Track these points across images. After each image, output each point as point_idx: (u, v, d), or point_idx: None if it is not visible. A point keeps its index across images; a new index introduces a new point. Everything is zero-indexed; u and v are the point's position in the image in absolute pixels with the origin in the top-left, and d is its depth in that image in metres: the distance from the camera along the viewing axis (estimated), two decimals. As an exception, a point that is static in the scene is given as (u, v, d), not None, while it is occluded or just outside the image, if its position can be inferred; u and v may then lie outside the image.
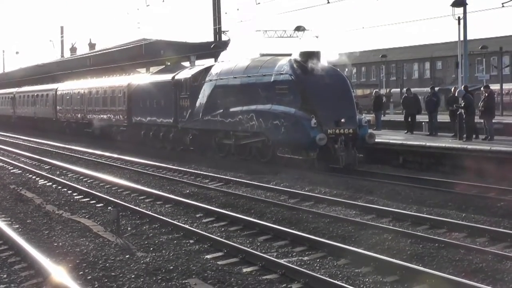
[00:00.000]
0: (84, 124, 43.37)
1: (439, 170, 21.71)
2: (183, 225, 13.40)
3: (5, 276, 10.10)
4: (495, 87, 44.44)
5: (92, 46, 78.83)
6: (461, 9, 27.81)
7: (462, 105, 24.56)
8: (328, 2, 28.35)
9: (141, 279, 9.59)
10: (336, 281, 9.29)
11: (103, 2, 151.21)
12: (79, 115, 44.21)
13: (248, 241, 12.17)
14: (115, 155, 28.86)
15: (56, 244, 11.92)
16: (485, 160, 20.09)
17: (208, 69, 28.98)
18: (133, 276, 9.74)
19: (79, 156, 29.88)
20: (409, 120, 29.75)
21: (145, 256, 10.93)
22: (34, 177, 22.56)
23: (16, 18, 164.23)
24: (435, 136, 26.98)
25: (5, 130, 54.32)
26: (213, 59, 30.83)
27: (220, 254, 11.19)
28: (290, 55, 24.58)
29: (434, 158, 22.43)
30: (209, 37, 53.75)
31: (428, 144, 23.04)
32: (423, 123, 30.32)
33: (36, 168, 25.11)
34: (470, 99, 24.91)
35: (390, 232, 12.38)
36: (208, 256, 11.03)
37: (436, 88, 35.26)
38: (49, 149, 34.16)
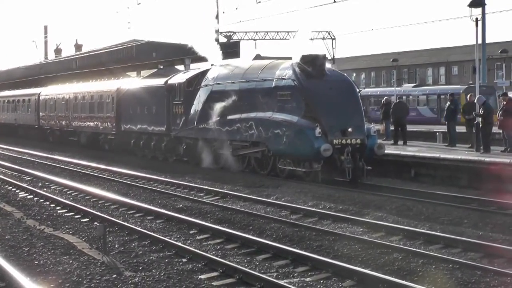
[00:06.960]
0: (69, 132, 43.43)
1: (454, 184, 21.70)
2: (175, 242, 13.40)
3: (-20, 297, 10.12)
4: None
5: (78, 47, 78.84)
6: (479, 10, 27.81)
7: (481, 113, 24.54)
8: (335, 2, 28.42)
9: (129, 301, 9.61)
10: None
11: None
12: (63, 122, 44.26)
13: (246, 260, 12.17)
14: (102, 166, 28.86)
15: (37, 262, 11.93)
16: (504, 174, 20.09)
17: (204, 73, 29.02)
18: (120, 297, 9.76)
19: (63, 166, 29.89)
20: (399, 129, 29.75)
21: (134, 276, 10.92)
22: (13, 189, 22.56)
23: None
24: (453, 147, 26.92)
25: (-18, 138, 54.31)
26: (209, 63, 30.77)
27: (215, 274, 11.18)
28: (290, 58, 24.61)
29: (448, 171, 22.44)
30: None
31: (442, 156, 23.03)
32: (437, 133, 30.30)
33: (16, 179, 25.10)
34: (490, 107, 24.95)
35: (400, 251, 12.38)
36: (202, 277, 11.02)
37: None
38: (31, 159, 34.15)
